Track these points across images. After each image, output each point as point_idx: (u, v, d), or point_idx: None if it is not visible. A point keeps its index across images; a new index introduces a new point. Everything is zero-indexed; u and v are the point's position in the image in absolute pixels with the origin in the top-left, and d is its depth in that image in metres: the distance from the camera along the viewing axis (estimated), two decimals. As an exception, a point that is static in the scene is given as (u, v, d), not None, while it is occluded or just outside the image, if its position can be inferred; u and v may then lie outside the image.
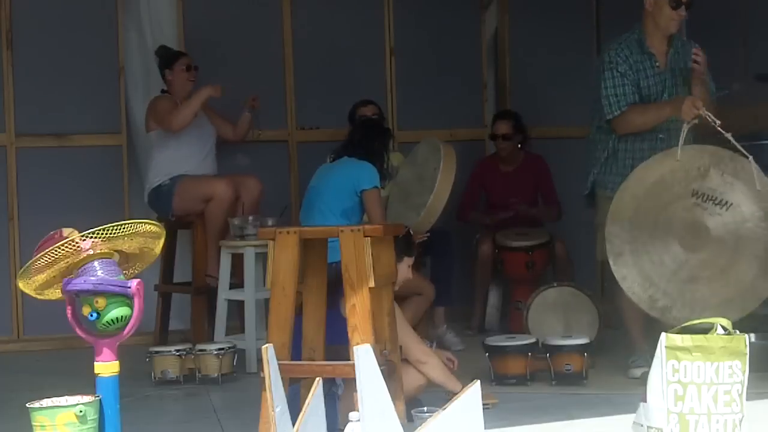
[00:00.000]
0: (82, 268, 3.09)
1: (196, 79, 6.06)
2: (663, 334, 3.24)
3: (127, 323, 3.10)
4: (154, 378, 5.02)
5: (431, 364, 3.97)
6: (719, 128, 4.46)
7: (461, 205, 6.46)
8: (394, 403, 2.97)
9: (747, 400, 3.21)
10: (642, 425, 3.27)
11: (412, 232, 4.19)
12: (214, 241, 5.81)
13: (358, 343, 3.19)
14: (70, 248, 3.07)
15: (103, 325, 3.08)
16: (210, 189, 5.85)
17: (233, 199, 5.86)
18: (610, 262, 4.53)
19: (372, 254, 3.35)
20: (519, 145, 6.50)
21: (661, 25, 4.87)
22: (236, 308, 5.77)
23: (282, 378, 3.07)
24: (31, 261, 3.10)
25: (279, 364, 3.07)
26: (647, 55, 4.88)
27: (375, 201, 5.08)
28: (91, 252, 3.08)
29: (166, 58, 6.10)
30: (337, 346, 3.54)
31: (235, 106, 6.20)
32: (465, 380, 3.54)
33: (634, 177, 4.58)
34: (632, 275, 4.50)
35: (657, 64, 4.89)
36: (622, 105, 4.82)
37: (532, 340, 4.87)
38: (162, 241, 3.28)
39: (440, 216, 5.33)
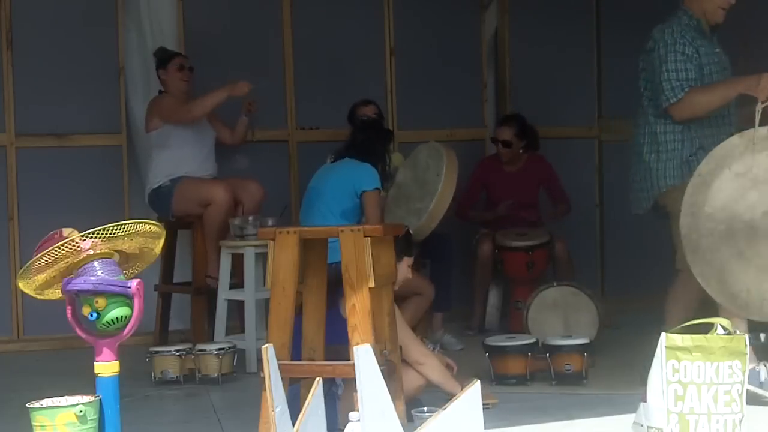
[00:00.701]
0: (82, 268, 3.09)
1: (190, 79, 6.06)
2: (663, 334, 3.24)
3: (127, 323, 3.09)
4: (154, 378, 5.02)
5: (429, 365, 3.96)
6: None
7: (461, 203, 6.44)
8: (394, 403, 2.97)
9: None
10: (642, 425, 3.27)
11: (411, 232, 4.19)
12: (213, 245, 5.79)
13: (358, 343, 3.19)
14: (70, 248, 3.07)
15: (103, 325, 3.08)
16: (209, 194, 5.83)
17: (232, 204, 5.84)
18: (687, 259, 4.11)
19: (372, 254, 3.35)
20: (521, 150, 6.49)
21: (708, 11, 4.56)
22: (236, 308, 5.77)
23: (282, 378, 3.07)
24: (31, 261, 3.10)
25: (279, 364, 3.07)
26: (707, 40, 4.56)
27: (374, 202, 5.08)
28: (91, 252, 3.08)
29: (162, 58, 6.11)
30: (337, 346, 3.54)
31: (234, 108, 6.19)
32: (465, 380, 3.54)
33: (708, 163, 4.12)
34: (710, 272, 4.06)
35: (717, 50, 4.59)
36: (685, 88, 4.42)
37: (532, 340, 4.86)
38: (162, 241, 3.28)
39: (440, 219, 5.33)
